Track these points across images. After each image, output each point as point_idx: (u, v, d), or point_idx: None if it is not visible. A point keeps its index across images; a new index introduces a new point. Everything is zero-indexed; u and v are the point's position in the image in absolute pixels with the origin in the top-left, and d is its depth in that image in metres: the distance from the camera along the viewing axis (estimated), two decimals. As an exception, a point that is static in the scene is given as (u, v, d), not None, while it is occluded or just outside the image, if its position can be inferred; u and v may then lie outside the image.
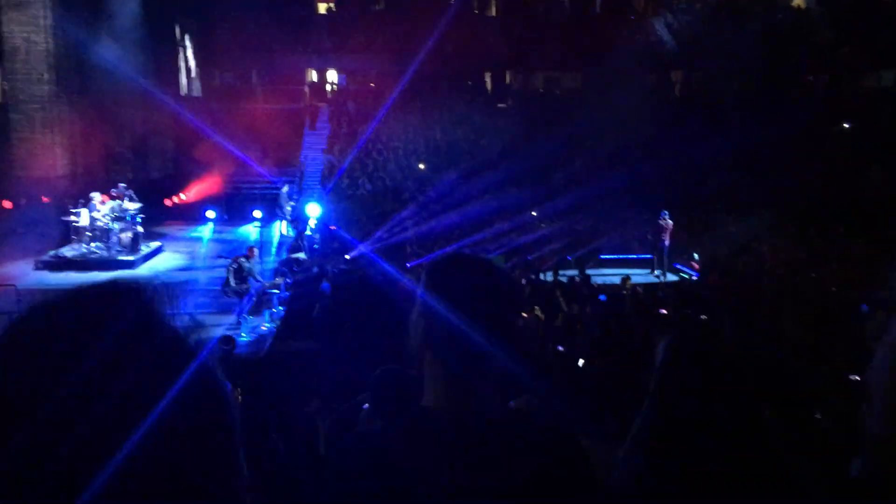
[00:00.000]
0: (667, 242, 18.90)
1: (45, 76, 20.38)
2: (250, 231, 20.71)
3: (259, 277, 14.58)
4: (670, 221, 18.98)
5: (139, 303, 0.80)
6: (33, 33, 20.10)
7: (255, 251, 15.03)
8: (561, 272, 17.82)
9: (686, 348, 1.72)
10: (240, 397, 6.40)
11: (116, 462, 0.69)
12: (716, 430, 1.65)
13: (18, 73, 20.44)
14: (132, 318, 0.77)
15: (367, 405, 3.63)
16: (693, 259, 19.38)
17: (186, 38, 28.84)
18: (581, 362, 8.25)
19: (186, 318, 0.84)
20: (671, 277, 18.84)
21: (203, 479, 0.76)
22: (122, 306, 0.78)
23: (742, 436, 1.68)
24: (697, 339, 1.79)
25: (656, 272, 18.99)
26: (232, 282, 14.02)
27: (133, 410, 0.71)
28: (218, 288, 14.87)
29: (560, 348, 8.95)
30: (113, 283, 0.82)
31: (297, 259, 17.99)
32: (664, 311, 11.57)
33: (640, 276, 18.19)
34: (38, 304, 0.79)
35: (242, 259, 14.25)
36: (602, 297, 13.27)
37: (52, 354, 0.73)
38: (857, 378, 6.13)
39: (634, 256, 20.17)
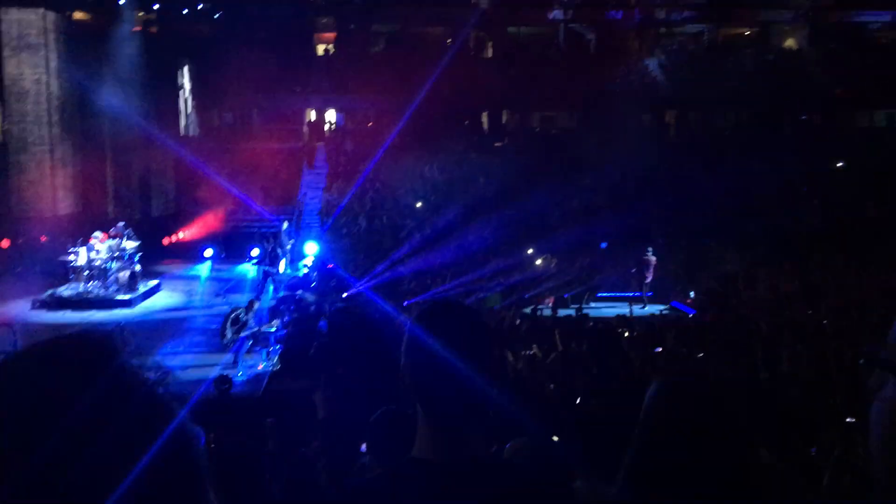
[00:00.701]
0: (649, 278, 19.55)
1: (51, 118, 20.60)
2: (248, 270, 20.73)
3: (254, 325, 14.59)
4: (653, 257, 19.55)
5: (108, 357, 0.82)
6: (41, 75, 20.36)
7: (256, 304, 15.06)
8: (560, 310, 17.86)
9: (676, 389, 1.74)
10: (212, 444, 6.32)
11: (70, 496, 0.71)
12: (706, 469, 1.67)
13: (27, 115, 20.62)
14: (101, 373, 0.79)
15: (364, 447, 3.65)
16: (688, 297, 19.54)
17: (186, 79, 29.19)
18: (578, 400, 8.21)
19: (158, 368, 0.86)
20: (652, 308, 19.23)
21: None
22: (92, 361, 0.80)
23: (734, 474, 1.70)
24: (688, 380, 1.82)
25: (638, 305, 19.46)
26: (228, 333, 14.04)
27: (100, 460, 0.73)
28: (214, 327, 14.86)
29: (552, 386, 8.91)
30: (82, 338, 0.84)
31: (294, 297, 17.98)
32: (659, 350, 11.55)
33: (639, 314, 18.33)
34: (9, 360, 0.82)
35: (241, 311, 14.30)
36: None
37: (20, 409, 0.75)
38: (853, 420, 6.12)
39: (631, 294, 20.23)
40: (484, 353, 1.61)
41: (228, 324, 14.00)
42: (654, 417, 1.72)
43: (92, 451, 0.73)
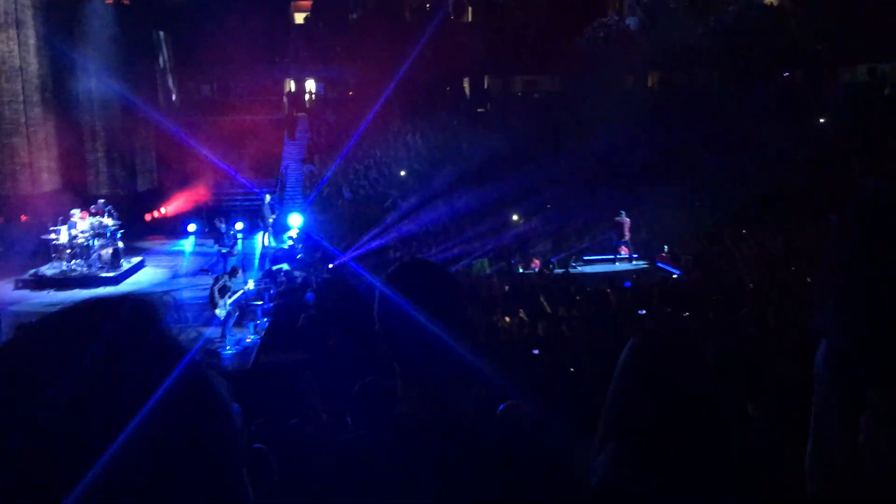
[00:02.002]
0: (627, 237, 20.28)
1: (28, 94, 20.23)
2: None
3: (241, 292, 14.55)
4: (626, 219, 20.25)
5: (141, 311, 0.81)
6: (23, 53, 19.93)
7: (240, 271, 14.96)
8: (546, 272, 17.99)
9: (649, 346, 1.72)
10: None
11: (107, 464, 0.69)
12: (683, 427, 1.65)
13: (5, 92, 20.17)
14: (134, 326, 0.78)
15: (349, 419, 3.64)
16: (663, 252, 19.87)
17: (165, 52, 28.75)
18: (566, 363, 8.26)
19: (190, 330, 0.85)
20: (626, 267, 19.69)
21: (201, 489, 0.76)
22: (122, 314, 0.79)
23: (714, 432, 1.68)
24: (662, 337, 1.80)
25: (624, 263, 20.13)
26: (219, 301, 13.94)
27: (126, 415, 0.72)
28: (201, 301, 14.81)
29: (535, 352, 8.96)
30: (114, 295, 0.83)
31: (280, 270, 17.93)
32: (643, 312, 11.63)
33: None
34: (41, 319, 0.79)
35: (226, 279, 14.21)
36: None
37: (50, 361, 0.74)
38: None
39: (616, 256, 20.36)
40: (454, 308, 1.60)
41: (216, 293, 13.91)
42: (627, 374, 1.70)
43: (124, 413, 0.72)
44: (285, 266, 18.40)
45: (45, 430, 0.70)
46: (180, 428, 0.75)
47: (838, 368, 0.92)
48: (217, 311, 13.80)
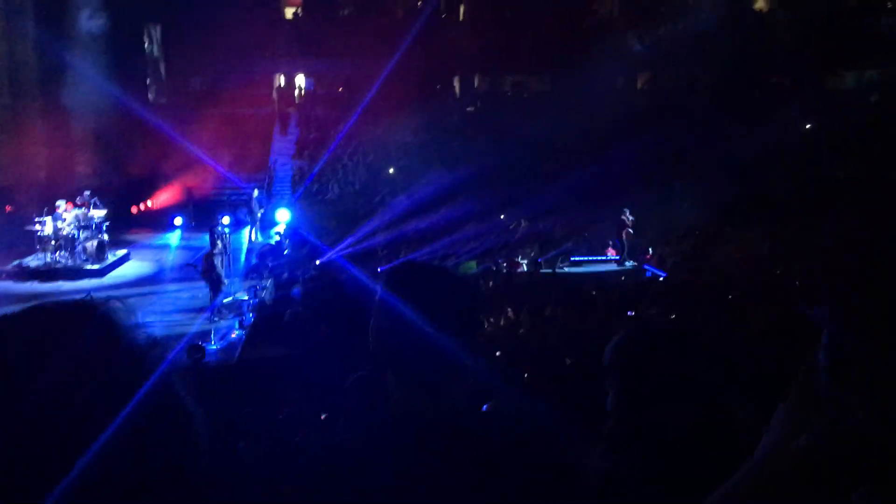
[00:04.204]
0: (623, 236, 20.36)
1: (13, 84, 20.08)
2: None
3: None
4: (631, 217, 20.19)
5: (99, 318, 0.81)
6: (17, 44, 19.76)
7: (219, 242, 15.17)
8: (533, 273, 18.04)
9: (632, 346, 1.74)
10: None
11: (77, 469, 0.70)
12: (678, 426, 1.66)
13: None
14: (93, 333, 0.78)
15: (325, 415, 3.64)
16: (647, 253, 19.96)
17: (154, 44, 28.60)
18: (553, 362, 8.29)
19: (146, 334, 0.85)
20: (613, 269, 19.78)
21: (165, 488, 0.77)
22: (83, 321, 0.79)
23: (707, 429, 1.69)
24: (644, 336, 1.81)
25: (622, 260, 20.25)
26: (220, 271, 14.19)
27: (92, 420, 0.72)
28: (186, 296, 14.83)
29: (497, 353, 8.97)
30: (73, 300, 0.83)
31: (266, 265, 17.87)
32: (632, 313, 11.69)
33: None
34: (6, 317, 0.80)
35: (213, 254, 14.42)
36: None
37: (12, 365, 0.74)
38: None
39: (605, 258, 20.42)
40: (460, 311, 1.59)
41: (217, 265, 14.16)
42: (620, 380, 1.71)
43: (92, 416, 0.73)
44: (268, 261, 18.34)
45: (16, 429, 0.70)
46: (147, 431, 0.76)
47: (835, 352, 1.10)
48: (225, 282, 14.09)
